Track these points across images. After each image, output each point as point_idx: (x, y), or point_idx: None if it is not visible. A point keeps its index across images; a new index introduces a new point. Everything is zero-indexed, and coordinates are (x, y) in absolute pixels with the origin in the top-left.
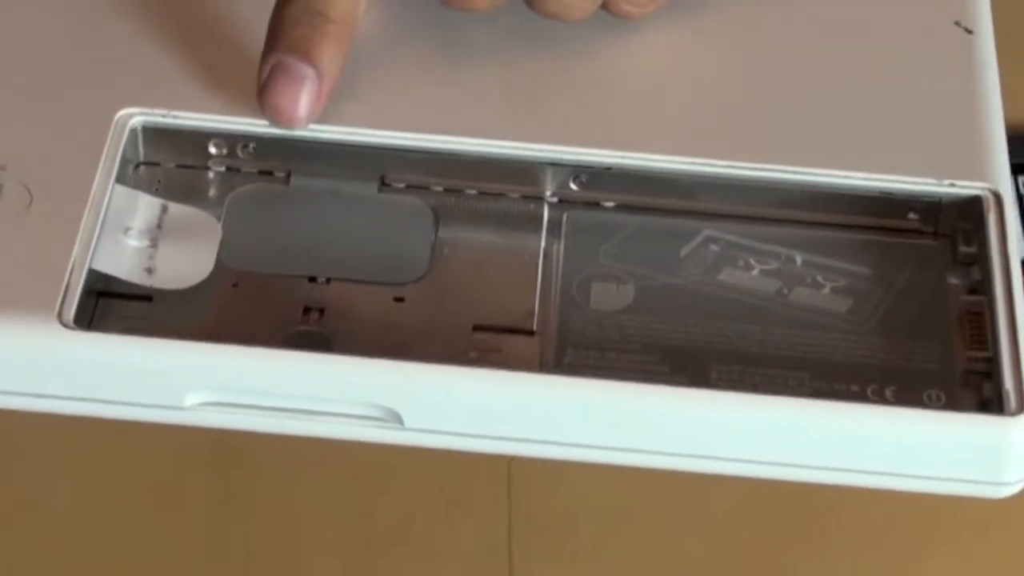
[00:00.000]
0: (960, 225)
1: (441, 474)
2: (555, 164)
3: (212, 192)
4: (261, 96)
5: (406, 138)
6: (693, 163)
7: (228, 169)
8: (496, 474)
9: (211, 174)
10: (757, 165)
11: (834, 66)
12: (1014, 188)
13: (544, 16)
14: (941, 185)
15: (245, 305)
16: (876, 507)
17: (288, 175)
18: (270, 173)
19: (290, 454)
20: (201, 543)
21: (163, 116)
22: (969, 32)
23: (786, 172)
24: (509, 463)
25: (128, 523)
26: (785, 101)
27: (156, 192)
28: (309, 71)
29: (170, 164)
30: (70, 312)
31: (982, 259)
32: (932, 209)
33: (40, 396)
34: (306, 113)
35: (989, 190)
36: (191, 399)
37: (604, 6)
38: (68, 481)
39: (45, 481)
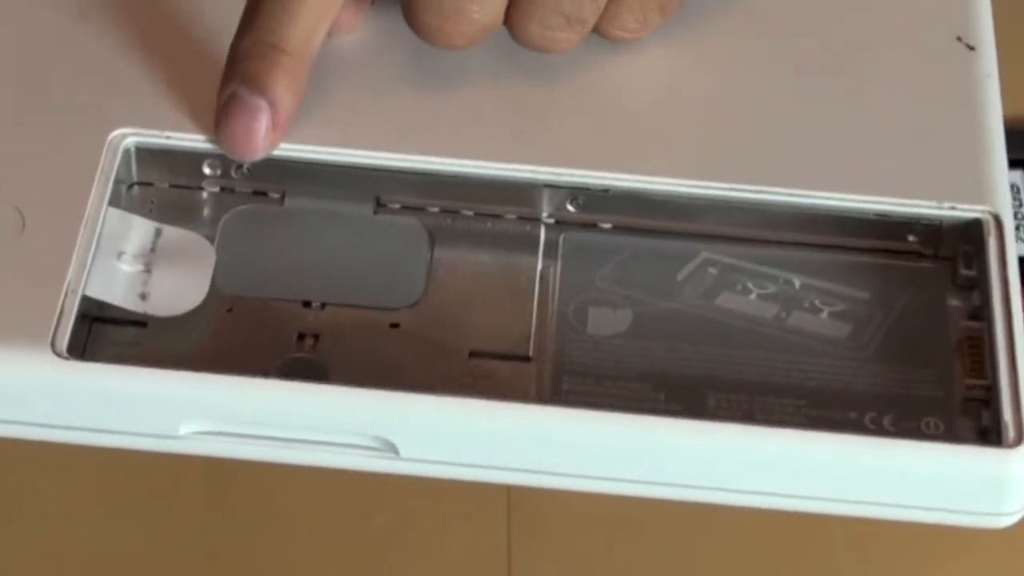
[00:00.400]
0: (961, 248)
1: (440, 480)
2: (552, 186)
3: (206, 212)
4: (216, 128)
5: (401, 159)
6: (691, 185)
7: (222, 190)
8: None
9: (205, 194)
10: (756, 187)
11: (833, 85)
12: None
13: (529, 49)
14: (941, 208)
15: (239, 331)
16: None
17: (282, 196)
18: (264, 194)
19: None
20: (196, 550)
21: (157, 137)
22: (971, 48)
23: (785, 194)
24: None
25: (122, 532)
26: (783, 122)
27: (150, 213)
28: (262, 103)
29: (164, 184)
30: (63, 341)
31: (982, 284)
32: (932, 232)
33: (33, 425)
34: (260, 145)
35: (990, 213)
36: (185, 428)
37: (596, 31)
38: (61, 490)
39: (36, 491)
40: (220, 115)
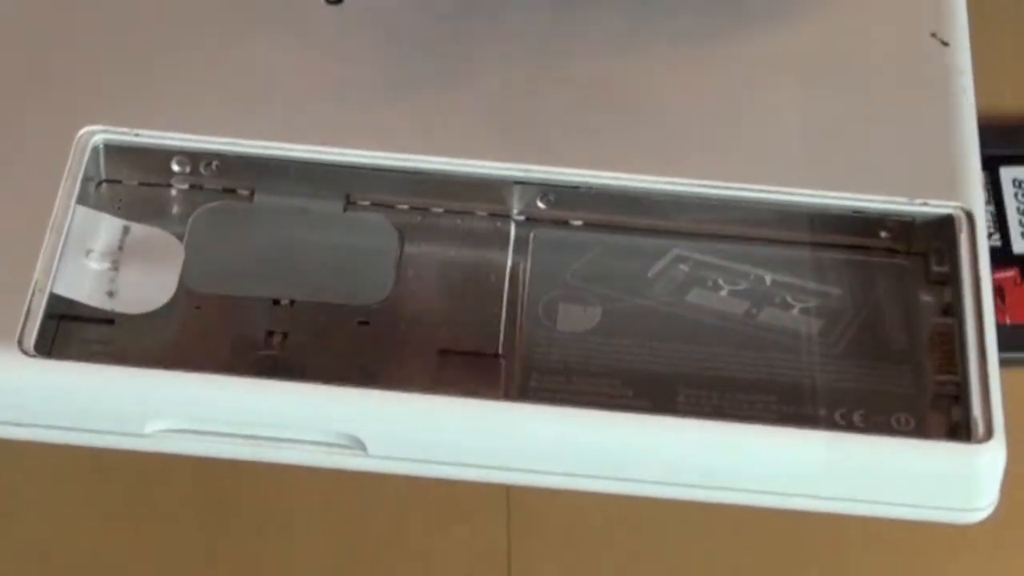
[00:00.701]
0: (933, 244)
1: (437, 481)
2: (523, 183)
3: (175, 210)
4: None
5: (371, 156)
6: (662, 182)
7: (191, 187)
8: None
9: (174, 192)
10: (727, 184)
11: (806, 82)
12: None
13: None
14: (913, 204)
15: (208, 328)
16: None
17: (252, 193)
18: (233, 191)
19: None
20: (189, 552)
21: (125, 134)
22: (945, 44)
23: (756, 190)
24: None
25: (111, 534)
26: (756, 118)
27: (118, 211)
28: None
29: (132, 182)
30: (31, 339)
31: (954, 279)
32: (904, 228)
33: (2, 423)
34: None
35: (962, 209)
36: (152, 426)
37: None
38: (45, 494)
39: (20, 495)
40: None
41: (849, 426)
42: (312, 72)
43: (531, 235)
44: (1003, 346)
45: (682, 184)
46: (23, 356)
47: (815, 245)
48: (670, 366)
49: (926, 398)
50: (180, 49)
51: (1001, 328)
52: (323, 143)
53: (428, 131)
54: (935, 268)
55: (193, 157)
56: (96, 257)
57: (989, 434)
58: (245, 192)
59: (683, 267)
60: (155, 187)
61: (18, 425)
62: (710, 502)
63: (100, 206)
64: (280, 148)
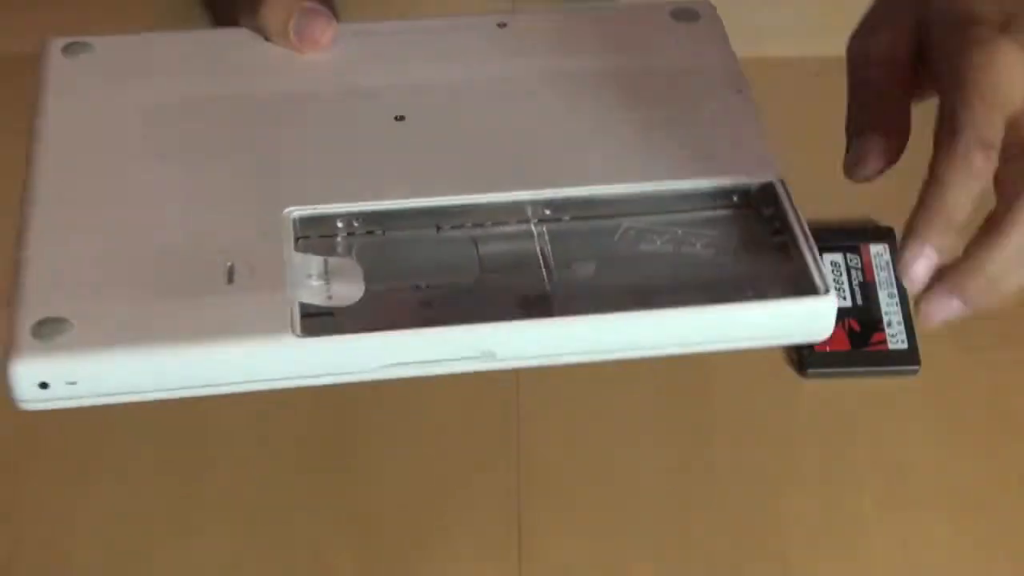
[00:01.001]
0: (764, 198)
1: (449, 450)
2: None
3: (343, 247)
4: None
5: (451, 199)
6: (613, 187)
7: (349, 234)
8: (503, 457)
9: (339, 238)
10: (650, 182)
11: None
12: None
13: None
14: (751, 179)
15: (390, 307)
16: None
17: (384, 232)
18: (372, 232)
19: (281, 444)
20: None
21: (312, 209)
22: (739, 92)
23: (664, 184)
24: (518, 447)
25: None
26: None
27: (315, 252)
28: None
29: (315, 236)
30: (298, 328)
31: (783, 217)
32: (745, 193)
33: (278, 379)
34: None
35: (778, 179)
36: (377, 363)
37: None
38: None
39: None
40: None
41: (753, 298)
42: (396, 151)
43: (544, 229)
44: None
45: (622, 187)
46: (299, 339)
47: (701, 209)
48: (639, 282)
49: (781, 275)
50: (337, 150)
51: None
52: (417, 195)
53: (477, 176)
54: (766, 213)
55: (348, 217)
56: (314, 279)
57: (827, 289)
58: (380, 232)
59: (632, 232)
60: (327, 238)
61: (296, 379)
62: (706, 351)
63: (306, 252)
64: (394, 203)
